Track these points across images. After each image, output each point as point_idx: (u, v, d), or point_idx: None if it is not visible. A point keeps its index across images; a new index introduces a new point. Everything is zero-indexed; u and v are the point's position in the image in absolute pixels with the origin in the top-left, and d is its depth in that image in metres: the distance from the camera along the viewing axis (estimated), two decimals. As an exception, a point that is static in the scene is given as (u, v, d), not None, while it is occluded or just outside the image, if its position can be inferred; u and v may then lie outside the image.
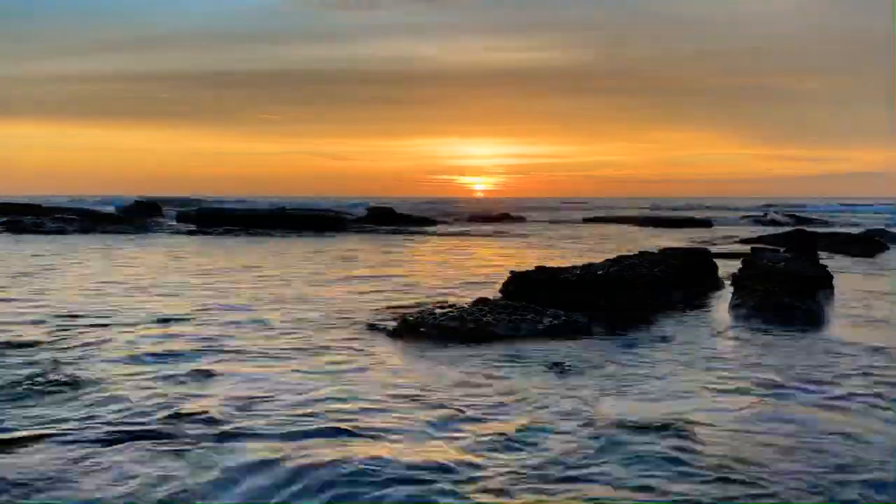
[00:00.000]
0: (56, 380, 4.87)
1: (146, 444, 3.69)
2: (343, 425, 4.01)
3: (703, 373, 5.39)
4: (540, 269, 8.53)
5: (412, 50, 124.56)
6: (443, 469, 3.41)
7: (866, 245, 17.44)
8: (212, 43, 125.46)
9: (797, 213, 39.67)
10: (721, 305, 8.62)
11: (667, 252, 10.37)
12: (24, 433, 3.86)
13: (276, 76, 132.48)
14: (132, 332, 6.68)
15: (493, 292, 8.35)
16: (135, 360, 5.57)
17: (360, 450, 3.61)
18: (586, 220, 37.11)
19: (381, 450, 3.62)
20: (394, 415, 4.25)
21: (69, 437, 3.80)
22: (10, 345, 5.95)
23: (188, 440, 3.75)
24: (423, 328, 6.56)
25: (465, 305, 7.31)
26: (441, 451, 3.63)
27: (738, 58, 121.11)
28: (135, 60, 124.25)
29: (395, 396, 4.64)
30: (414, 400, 4.57)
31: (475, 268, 13.41)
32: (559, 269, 8.64)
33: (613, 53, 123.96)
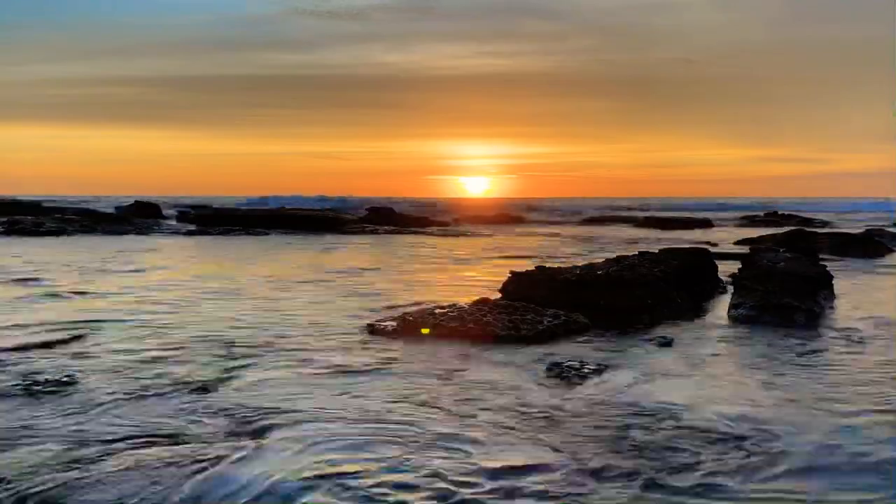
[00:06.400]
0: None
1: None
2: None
3: (704, 372, 5.39)
4: (540, 269, 8.53)
5: (406, 56, 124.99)
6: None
7: (866, 245, 17.40)
8: (209, 48, 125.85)
9: (797, 214, 39.64)
10: (721, 305, 8.62)
11: (667, 252, 10.36)
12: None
13: (274, 80, 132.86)
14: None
15: (493, 292, 8.34)
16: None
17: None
18: (584, 221, 37.12)
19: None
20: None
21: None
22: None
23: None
24: (422, 328, 6.55)
25: (465, 305, 7.30)
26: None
27: (724, 62, 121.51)
28: (135, 65, 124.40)
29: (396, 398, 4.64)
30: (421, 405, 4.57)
31: (475, 267, 13.41)
32: (559, 269, 8.64)
33: (602, 58, 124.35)
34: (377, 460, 3.48)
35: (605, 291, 7.71)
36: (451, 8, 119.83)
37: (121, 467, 3.36)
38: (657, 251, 10.41)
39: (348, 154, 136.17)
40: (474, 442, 3.78)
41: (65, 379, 4.85)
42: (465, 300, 8.03)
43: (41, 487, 3.14)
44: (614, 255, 10.31)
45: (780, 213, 40.60)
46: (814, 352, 6.17)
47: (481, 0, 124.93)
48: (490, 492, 3.17)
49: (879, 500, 3.16)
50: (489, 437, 3.86)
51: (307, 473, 3.30)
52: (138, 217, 28.77)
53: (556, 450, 3.69)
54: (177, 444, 3.69)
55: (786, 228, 23.27)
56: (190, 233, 23.29)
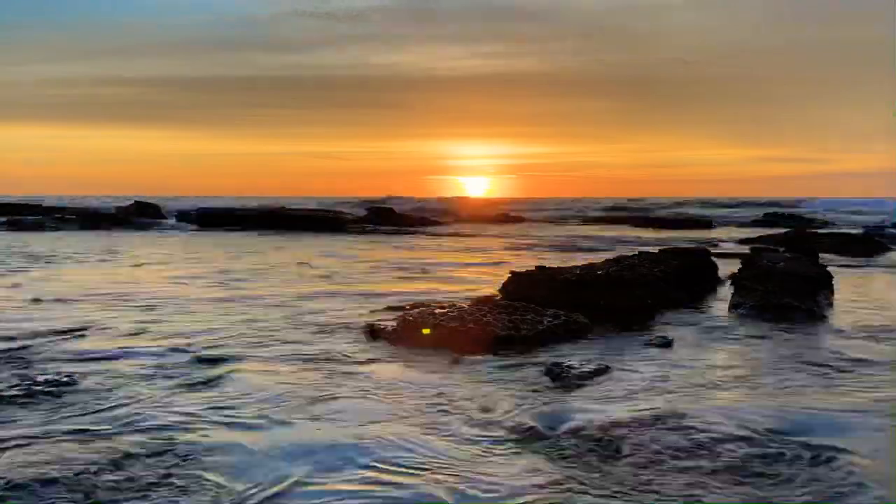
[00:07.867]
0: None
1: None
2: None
3: (703, 371, 5.39)
4: (540, 268, 8.53)
5: (406, 56, 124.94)
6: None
7: (867, 245, 17.41)
8: (209, 48, 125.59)
9: (796, 214, 39.63)
10: (721, 305, 8.61)
11: (667, 252, 10.36)
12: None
13: (274, 80, 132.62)
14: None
15: (492, 292, 8.34)
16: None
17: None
18: (585, 221, 37.11)
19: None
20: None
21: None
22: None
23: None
24: (423, 328, 6.54)
25: (465, 305, 7.29)
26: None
27: (724, 62, 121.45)
28: (135, 65, 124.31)
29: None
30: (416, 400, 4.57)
31: (475, 267, 13.40)
32: (559, 269, 8.63)
33: (602, 59, 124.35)
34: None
35: (605, 291, 7.72)
36: (450, 9, 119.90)
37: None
38: (657, 251, 10.42)
39: (348, 154, 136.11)
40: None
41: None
42: (465, 300, 8.05)
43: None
44: (614, 255, 10.32)
45: (779, 213, 40.58)
46: (812, 352, 6.16)
47: (481, 1, 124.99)
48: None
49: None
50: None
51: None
52: (139, 217, 28.80)
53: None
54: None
55: (786, 228, 23.28)
56: (191, 232, 23.33)
